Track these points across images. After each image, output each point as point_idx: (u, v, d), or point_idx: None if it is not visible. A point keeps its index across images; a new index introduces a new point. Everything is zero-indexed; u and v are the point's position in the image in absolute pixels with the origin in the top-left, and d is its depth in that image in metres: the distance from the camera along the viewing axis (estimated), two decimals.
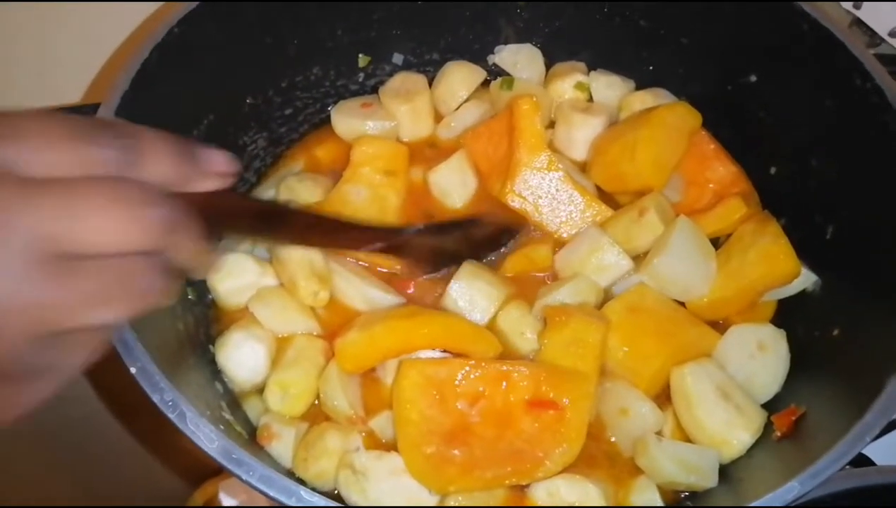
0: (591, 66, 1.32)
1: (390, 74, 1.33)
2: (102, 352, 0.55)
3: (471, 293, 1.07)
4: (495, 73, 1.35)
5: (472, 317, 1.07)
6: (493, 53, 1.35)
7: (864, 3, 1.38)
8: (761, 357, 1.04)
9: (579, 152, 1.25)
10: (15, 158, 0.45)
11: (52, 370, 0.51)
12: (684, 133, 1.17)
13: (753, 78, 1.17)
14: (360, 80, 1.32)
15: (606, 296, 1.10)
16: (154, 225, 0.48)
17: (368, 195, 1.17)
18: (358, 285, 1.08)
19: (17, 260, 0.44)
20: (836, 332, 1.01)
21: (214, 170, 0.58)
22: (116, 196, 0.47)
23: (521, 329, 1.06)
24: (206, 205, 0.57)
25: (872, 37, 1.40)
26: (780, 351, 1.05)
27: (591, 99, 1.30)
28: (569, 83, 1.29)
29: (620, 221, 1.13)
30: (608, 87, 1.29)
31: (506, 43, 1.34)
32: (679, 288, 1.08)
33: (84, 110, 1.01)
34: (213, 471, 1.54)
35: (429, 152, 1.27)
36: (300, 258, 1.06)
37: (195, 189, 0.56)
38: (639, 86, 1.30)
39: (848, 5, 1.39)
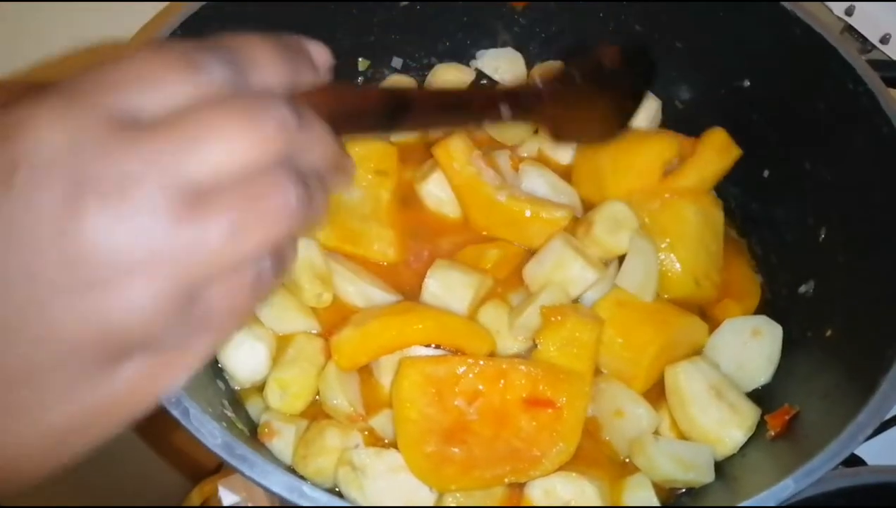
0: None
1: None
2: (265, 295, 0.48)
3: (447, 282, 1.07)
4: (484, 74, 1.36)
5: (453, 307, 1.07)
6: (474, 58, 1.37)
7: (856, 11, 1.39)
8: (755, 342, 1.06)
9: (564, 154, 1.26)
10: (126, 106, 0.42)
11: (206, 330, 0.45)
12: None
13: (747, 82, 1.19)
14: (360, 83, 1.33)
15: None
16: (277, 125, 0.43)
17: (361, 194, 1.18)
18: (357, 283, 1.09)
19: (149, 216, 0.40)
20: (829, 333, 1.03)
21: (321, 62, 0.53)
22: (232, 112, 0.43)
23: (498, 327, 1.07)
24: (328, 101, 0.51)
25: (864, 43, 1.41)
26: (775, 335, 1.07)
27: None
28: None
29: (576, 233, 1.13)
30: None
31: (503, 47, 1.36)
32: (649, 293, 1.10)
33: None
34: (210, 470, 1.55)
35: (419, 152, 1.27)
36: (302, 260, 1.07)
37: (310, 87, 0.50)
38: None
39: (840, 12, 1.41)
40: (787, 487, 0.79)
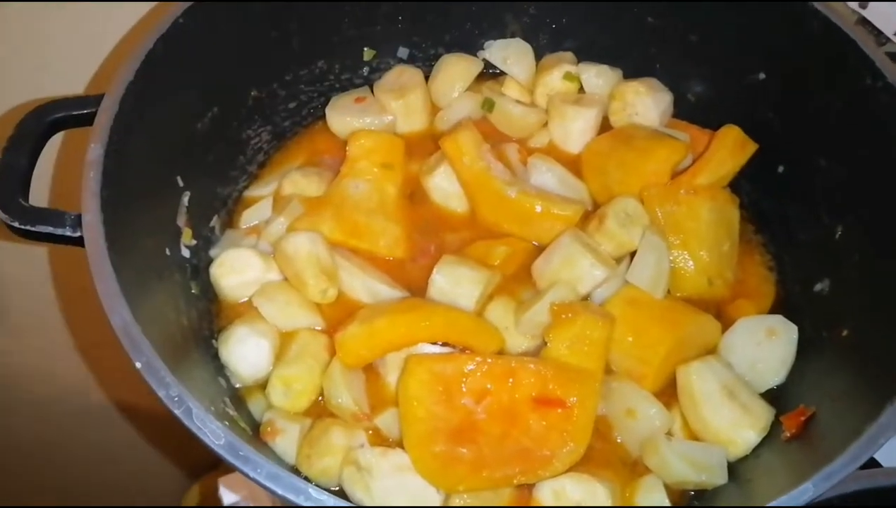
0: (600, 63, 1.30)
1: None
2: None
3: (455, 278, 1.05)
4: (492, 65, 1.34)
5: (460, 303, 1.04)
6: (482, 49, 1.34)
7: (870, 3, 1.37)
8: (770, 342, 1.04)
9: (575, 145, 1.24)
10: None
11: None
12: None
13: (762, 76, 1.16)
14: (365, 73, 1.31)
15: None
16: None
17: (367, 188, 1.16)
18: (363, 278, 1.07)
19: None
20: (844, 333, 1.01)
21: None
22: None
23: (506, 324, 1.05)
24: None
25: (878, 36, 1.39)
26: (790, 335, 1.05)
27: (582, 90, 1.29)
28: (556, 74, 1.28)
29: (587, 228, 1.11)
30: (598, 77, 1.28)
31: (512, 38, 1.33)
32: (660, 289, 1.08)
33: (88, 101, 0.99)
34: (208, 466, 1.53)
35: (426, 145, 1.26)
36: (307, 255, 1.05)
37: None
38: None
39: (854, 5, 1.38)
40: (807, 491, 0.78)
